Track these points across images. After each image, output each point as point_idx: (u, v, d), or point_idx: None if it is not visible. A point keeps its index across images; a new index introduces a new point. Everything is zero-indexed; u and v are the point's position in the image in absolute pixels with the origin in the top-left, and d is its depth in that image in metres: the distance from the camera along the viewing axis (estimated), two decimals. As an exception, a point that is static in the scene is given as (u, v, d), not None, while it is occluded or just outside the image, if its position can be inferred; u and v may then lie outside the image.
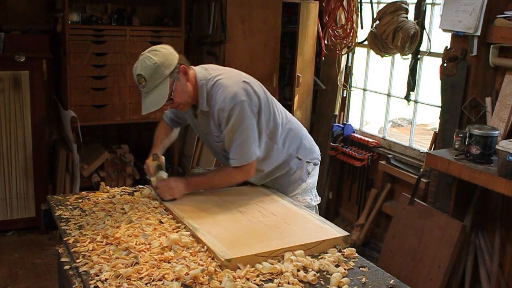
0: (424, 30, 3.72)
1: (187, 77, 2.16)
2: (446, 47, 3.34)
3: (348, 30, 4.31)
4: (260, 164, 2.31)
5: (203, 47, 4.52)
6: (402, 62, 3.93)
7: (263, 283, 1.61)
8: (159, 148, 2.43)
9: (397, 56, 3.96)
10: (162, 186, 2.18)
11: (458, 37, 3.23)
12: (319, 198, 2.51)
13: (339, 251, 1.85)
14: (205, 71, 2.23)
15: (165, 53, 2.09)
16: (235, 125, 2.13)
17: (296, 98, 4.50)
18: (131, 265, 1.64)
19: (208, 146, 2.46)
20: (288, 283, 1.60)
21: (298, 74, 4.48)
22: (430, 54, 3.77)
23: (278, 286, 1.59)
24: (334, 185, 4.73)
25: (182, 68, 2.13)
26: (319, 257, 1.80)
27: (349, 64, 4.59)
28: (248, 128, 2.15)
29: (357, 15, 4.30)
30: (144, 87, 2.07)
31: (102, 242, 1.79)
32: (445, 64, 3.32)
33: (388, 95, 4.26)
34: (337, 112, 4.66)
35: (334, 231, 1.93)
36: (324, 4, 4.43)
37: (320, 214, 2.26)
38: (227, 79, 2.18)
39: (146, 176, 2.35)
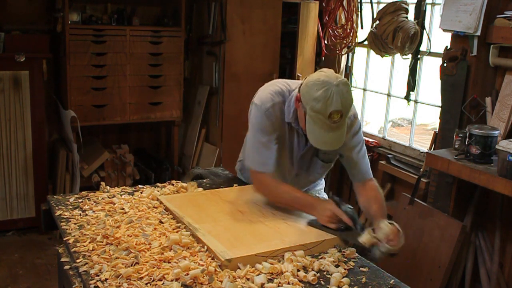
0: (424, 30, 3.72)
1: None
2: (446, 47, 3.34)
3: (348, 30, 4.31)
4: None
5: (203, 47, 4.52)
6: (402, 62, 3.93)
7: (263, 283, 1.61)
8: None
9: (397, 56, 3.96)
10: (395, 236, 1.90)
11: (458, 37, 3.22)
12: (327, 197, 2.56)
13: (339, 251, 1.85)
14: None
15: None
16: (361, 136, 2.23)
17: (296, 98, 4.49)
18: (131, 265, 1.64)
19: (296, 170, 2.27)
20: (288, 283, 1.60)
21: (298, 74, 4.48)
22: (430, 54, 3.77)
23: (278, 286, 1.59)
24: (334, 185, 4.72)
25: None
26: (319, 257, 1.80)
27: (349, 64, 4.59)
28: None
29: (357, 15, 4.30)
30: (335, 123, 1.87)
31: (102, 242, 1.79)
32: (445, 64, 3.31)
33: (388, 95, 4.26)
34: (337, 112, 4.66)
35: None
36: (324, 4, 4.43)
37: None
38: None
39: (336, 227, 1.92)
